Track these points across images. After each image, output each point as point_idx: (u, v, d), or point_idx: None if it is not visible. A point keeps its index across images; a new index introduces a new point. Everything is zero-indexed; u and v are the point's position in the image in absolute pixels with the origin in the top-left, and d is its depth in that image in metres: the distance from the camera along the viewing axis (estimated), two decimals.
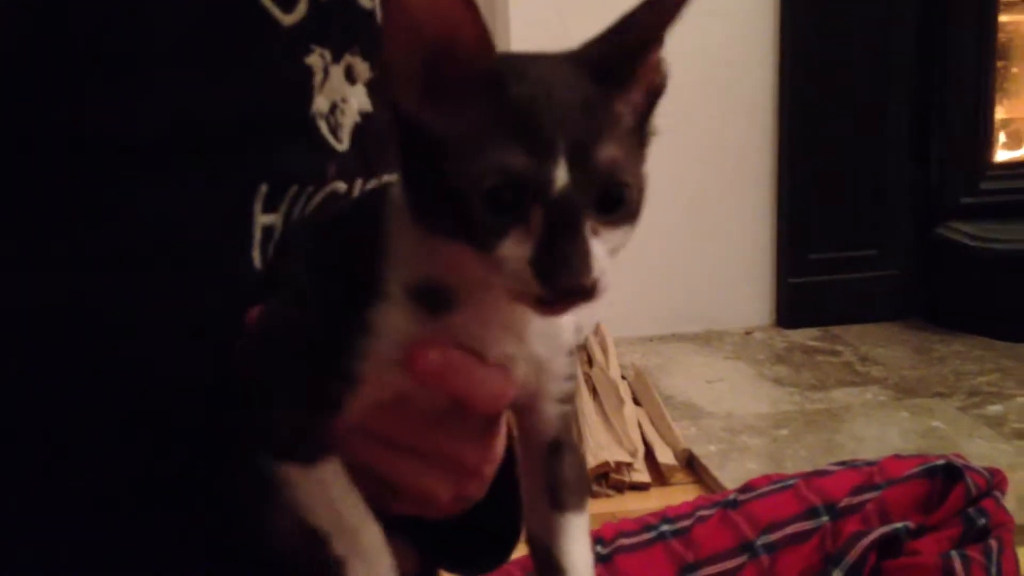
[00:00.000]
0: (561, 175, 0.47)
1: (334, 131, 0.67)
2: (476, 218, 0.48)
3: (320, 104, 0.66)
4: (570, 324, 0.59)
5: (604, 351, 2.27)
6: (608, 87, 0.50)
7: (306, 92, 0.65)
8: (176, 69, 0.59)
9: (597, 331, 2.36)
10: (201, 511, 0.61)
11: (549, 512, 0.62)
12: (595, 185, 0.48)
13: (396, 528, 0.61)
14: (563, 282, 0.48)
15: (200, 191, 0.60)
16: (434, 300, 0.55)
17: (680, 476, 1.83)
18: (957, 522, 0.83)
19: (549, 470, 0.62)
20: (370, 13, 0.70)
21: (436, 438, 0.60)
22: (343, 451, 0.58)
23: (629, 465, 1.80)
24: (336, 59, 0.67)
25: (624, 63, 0.51)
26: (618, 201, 0.49)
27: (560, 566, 0.62)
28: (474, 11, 0.48)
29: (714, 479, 1.77)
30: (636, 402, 2.07)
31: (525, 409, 0.61)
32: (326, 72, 0.66)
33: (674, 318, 2.57)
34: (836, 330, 2.56)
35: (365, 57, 0.69)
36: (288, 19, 0.63)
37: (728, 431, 1.99)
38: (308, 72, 0.65)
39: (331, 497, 0.58)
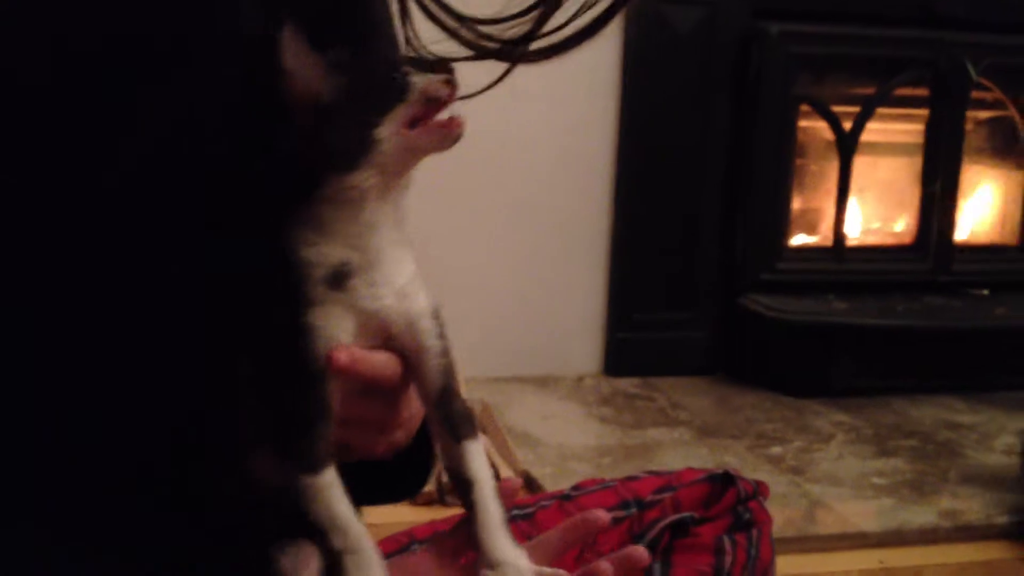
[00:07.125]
0: None
1: None
2: None
3: None
4: (422, 292, 0.71)
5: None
6: None
7: None
8: None
9: None
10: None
11: (452, 443, 0.73)
12: None
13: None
14: None
15: None
16: (340, 277, 0.67)
17: (520, 493, 1.95)
18: (729, 516, 0.93)
19: (444, 412, 0.72)
20: None
21: (363, 410, 0.71)
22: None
23: None
24: None
25: None
26: None
27: (469, 479, 0.72)
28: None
29: None
30: (483, 431, 2.15)
31: (416, 367, 0.71)
32: None
33: (516, 362, 2.62)
34: (653, 380, 2.65)
35: None
36: None
37: (560, 458, 2.11)
38: None
39: (328, 499, 0.67)
